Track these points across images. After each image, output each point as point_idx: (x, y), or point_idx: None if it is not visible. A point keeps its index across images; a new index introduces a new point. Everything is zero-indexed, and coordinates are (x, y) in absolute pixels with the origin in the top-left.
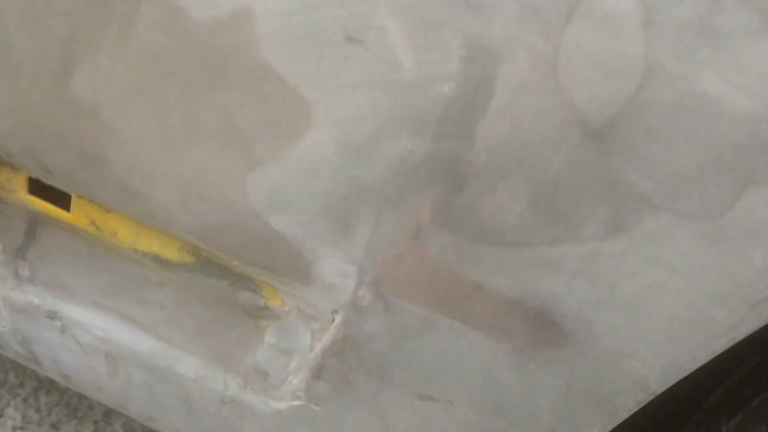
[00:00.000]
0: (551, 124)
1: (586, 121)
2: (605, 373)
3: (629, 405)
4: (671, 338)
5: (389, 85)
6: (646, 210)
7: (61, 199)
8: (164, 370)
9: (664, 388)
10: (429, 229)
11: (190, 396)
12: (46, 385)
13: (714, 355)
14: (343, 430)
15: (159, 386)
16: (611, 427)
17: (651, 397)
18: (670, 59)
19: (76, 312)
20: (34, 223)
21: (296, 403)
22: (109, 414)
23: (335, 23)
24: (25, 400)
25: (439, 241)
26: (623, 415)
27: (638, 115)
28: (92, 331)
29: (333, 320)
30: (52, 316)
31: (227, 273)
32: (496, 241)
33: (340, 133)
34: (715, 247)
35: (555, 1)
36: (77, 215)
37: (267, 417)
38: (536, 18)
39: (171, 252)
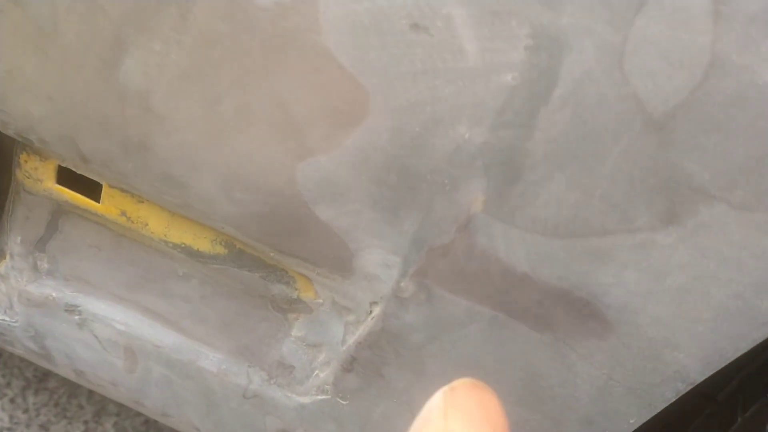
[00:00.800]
0: (613, 114)
1: (647, 111)
2: (646, 363)
3: (668, 395)
4: (715, 328)
5: (451, 73)
6: (701, 200)
7: (91, 189)
8: (185, 365)
9: (703, 378)
10: (480, 220)
11: (211, 391)
12: (33, 385)
13: (755, 344)
14: (370, 425)
15: (179, 381)
16: (647, 418)
17: (690, 387)
18: (735, 51)
19: (96, 306)
20: (58, 214)
21: (322, 397)
22: (99, 414)
23: (401, 11)
24: (12, 401)
25: (489, 231)
26: (660, 406)
27: (700, 105)
28: (112, 325)
29: (370, 312)
30: (71, 309)
31: (260, 265)
32: (548, 231)
33: (396, 122)
34: (766, 238)
35: None
36: (107, 206)
37: (290, 412)
38: (606, 8)
39: (203, 243)
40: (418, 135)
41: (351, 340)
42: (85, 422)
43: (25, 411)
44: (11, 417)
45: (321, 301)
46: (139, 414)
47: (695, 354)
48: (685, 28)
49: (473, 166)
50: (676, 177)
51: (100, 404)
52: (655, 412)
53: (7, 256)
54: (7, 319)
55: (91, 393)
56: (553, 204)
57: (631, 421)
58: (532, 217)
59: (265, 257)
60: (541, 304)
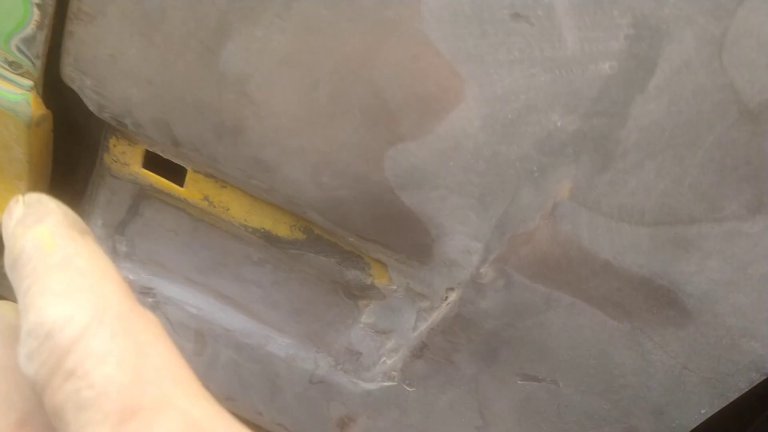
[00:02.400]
0: (709, 103)
1: (743, 101)
2: (723, 353)
3: (742, 385)
4: None
5: (549, 62)
6: None
7: (174, 174)
8: (254, 349)
9: None
10: (565, 206)
11: (278, 376)
12: None
13: None
14: (435, 411)
15: (246, 365)
16: (719, 408)
17: (763, 377)
18: None
19: (170, 289)
20: (139, 198)
21: (388, 384)
22: None
23: (503, 0)
24: None
25: (574, 218)
26: (733, 396)
27: None
28: (185, 308)
29: (446, 298)
30: (146, 292)
31: (337, 251)
32: (634, 219)
33: (489, 109)
34: None
35: None
36: (191, 190)
37: (355, 398)
38: None
39: (282, 229)
40: (510, 122)
41: (423, 326)
42: None
43: None
44: None
45: (395, 287)
46: None
47: None
48: None
49: (563, 154)
50: (766, 166)
51: None
52: (728, 402)
53: None
54: None
55: None
56: (642, 192)
57: (702, 411)
58: (619, 205)
59: (342, 243)
60: (621, 291)
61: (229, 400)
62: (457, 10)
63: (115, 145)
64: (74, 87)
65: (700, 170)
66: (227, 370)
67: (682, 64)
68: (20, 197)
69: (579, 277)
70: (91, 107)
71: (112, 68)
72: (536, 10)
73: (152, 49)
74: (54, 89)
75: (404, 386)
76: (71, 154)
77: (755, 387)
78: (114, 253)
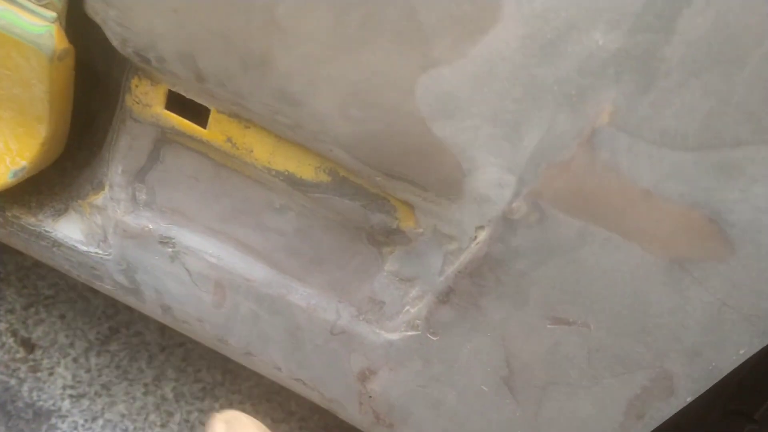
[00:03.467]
0: (759, 15)
1: None
2: (766, 287)
3: None
4: None
5: None
6: None
7: (197, 117)
8: (275, 300)
9: None
10: (605, 133)
11: (299, 327)
12: (96, 347)
13: None
14: (458, 361)
15: (266, 317)
16: (760, 347)
17: None
18: None
19: (189, 238)
20: (161, 143)
21: (411, 333)
22: (158, 378)
23: None
24: (75, 360)
25: (613, 145)
26: None
27: None
28: (204, 258)
29: (475, 238)
30: (165, 241)
31: (362, 193)
32: (677, 144)
33: (528, 29)
34: None
35: None
36: (214, 132)
37: (377, 349)
38: None
39: (306, 171)
40: (549, 42)
41: (450, 269)
42: (145, 385)
43: (88, 371)
44: (74, 376)
45: (421, 230)
46: (197, 380)
47: None
48: None
49: (604, 75)
50: None
51: (160, 369)
52: (767, 342)
53: (106, 187)
54: (101, 252)
55: (151, 357)
56: (685, 113)
57: (741, 352)
58: (661, 129)
59: (368, 185)
60: (660, 223)
61: (248, 355)
62: None
63: (137, 86)
64: (98, 20)
65: (748, 88)
66: (247, 323)
67: None
68: (220, 416)
69: (616, 209)
70: (114, 42)
71: None
72: None
73: None
74: (76, 30)
75: (428, 335)
76: (91, 101)
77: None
78: (134, 202)
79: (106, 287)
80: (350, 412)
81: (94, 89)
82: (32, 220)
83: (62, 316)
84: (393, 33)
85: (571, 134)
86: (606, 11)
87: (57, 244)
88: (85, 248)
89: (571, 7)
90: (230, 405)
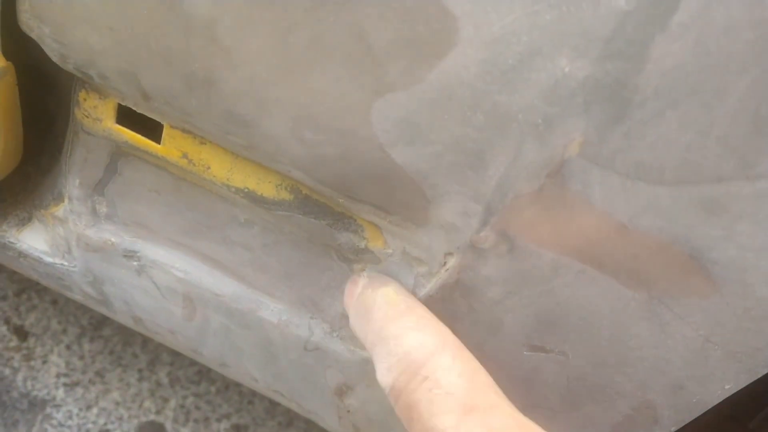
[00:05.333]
0: (741, 42)
1: None
2: (751, 325)
3: None
4: None
5: None
6: None
7: (151, 130)
8: (245, 315)
9: None
10: (575, 164)
11: (271, 342)
12: (89, 333)
13: None
14: None
15: (238, 331)
16: (746, 384)
17: None
18: None
19: (155, 252)
20: (117, 156)
21: None
22: (153, 363)
23: None
24: (68, 347)
25: (585, 177)
26: (762, 372)
27: None
28: (171, 272)
29: (444, 264)
30: (130, 255)
31: (327, 212)
32: (653, 178)
33: (488, 53)
34: None
35: None
36: (168, 147)
37: (352, 366)
38: None
39: (267, 188)
40: (511, 68)
41: (421, 293)
42: (140, 370)
43: (81, 358)
44: (67, 363)
45: (390, 251)
46: (192, 363)
47: None
48: None
49: (572, 104)
50: None
51: (154, 353)
52: (756, 378)
53: (66, 199)
54: (66, 263)
55: (145, 342)
56: (662, 146)
57: (727, 387)
58: (636, 161)
59: (332, 204)
60: (637, 258)
61: (223, 366)
62: None
63: (85, 99)
64: (33, 36)
65: (731, 121)
66: (219, 336)
67: None
68: (362, 273)
69: (590, 242)
70: (54, 58)
71: (69, 14)
72: None
73: None
74: (19, 39)
75: None
76: (47, 105)
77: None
78: (94, 215)
79: (76, 297)
80: (331, 425)
81: (48, 93)
82: None
83: (54, 302)
84: (342, 55)
85: (539, 164)
86: (572, 36)
87: (22, 255)
88: (50, 259)
89: (533, 31)
90: (227, 388)
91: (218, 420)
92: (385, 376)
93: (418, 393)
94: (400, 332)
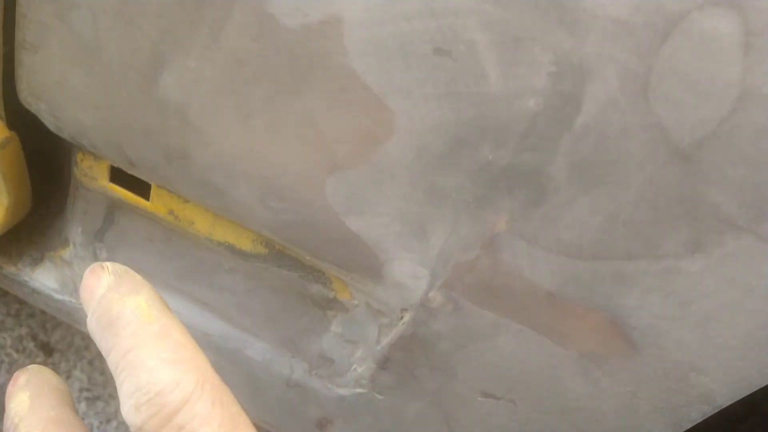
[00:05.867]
0: (637, 142)
1: (673, 141)
2: (672, 385)
3: (694, 416)
4: (743, 356)
5: (474, 96)
6: (728, 231)
7: (142, 188)
8: (233, 353)
9: (730, 402)
10: (504, 238)
11: (257, 378)
12: None
13: None
14: (404, 419)
15: (228, 367)
16: None
17: (716, 410)
18: (767, 84)
19: None
20: (113, 208)
21: (360, 390)
22: None
23: (424, 35)
24: (90, 363)
25: (513, 249)
26: (687, 425)
27: (728, 137)
28: None
29: (401, 318)
30: None
31: (298, 265)
32: (572, 253)
33: (421, 142)
34: None
35: (651, 21)
36: (156, 204)
37: (331, 402)
38: (630, 36)
39: (245, 243)
40: (443, 155)
41: (385, 341)
42: None
43: (102, 373)
44: (89, 378)
45: (356, 302)
46: None
47: (722, 379)
48: (713, 59)
49: (497, 187)
50: (702, 207)
51: None
52: (682, 431)
53: (71, 245)
54: (74, 301)
55: None
56: (577, 226)
57: None
58: (556, 239)
59: (302, 258)
60: (566, 321)
61: None
62: (380, 44)
63: (82, 160)
64: (32, 110)
65: (634, 208)
66: None
67: (608, 103)
68: (105, 265)
69: (523, 305)
70: (51, 128)
71: (61, 94)
72: (457, 45)
73: (93, 78)
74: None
75: (375, 394)
76: (53, 156)
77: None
78: (96, 259)
79: (84, 329)
80: None
81: (54, 146)
82: (12, 269)
83: None
84: (296, 138)
85: (473, 237)
86: (491, 130)
87: (36, 291)
88: (60, 297)
89: (459, 125)
90: None
91: None
92: (131, 414)
93: None
94: (154, 364)
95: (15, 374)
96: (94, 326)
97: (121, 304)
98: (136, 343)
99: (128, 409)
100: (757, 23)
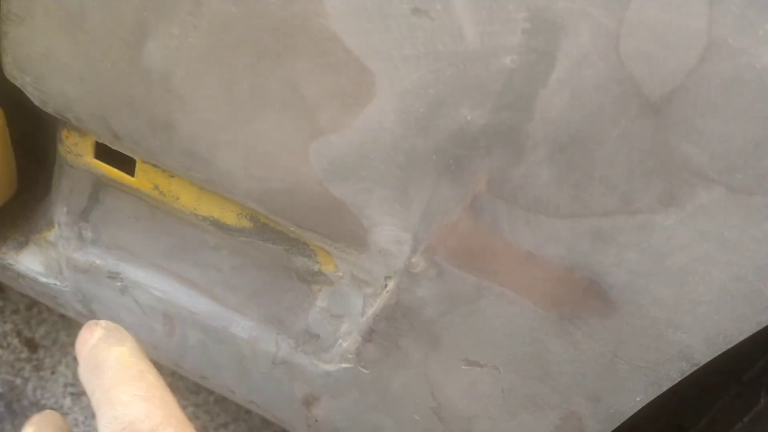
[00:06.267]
0: (610, 97)
1: (644, 94)
2: (651, 342)
3: (673, 375)
4: (718, 310)
5: (452, 56)
6: (700, 183)
7: (126, 164)
8: (219, 331)
9: (707, 359)
10: (484, 199)
11: (243, 356)
12: None
13: (760, 328)
14: (390, 392)
15: (213, 346)
16: (654, 396)
17: (694, 368)
18: (732, 34)
19: (136, 273)
20: (98, 186)
21: (345, 365)
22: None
23: None
24: (75, 359)
25: (493, 210)
26: (666, 385)
27: (697, 88)
28: (151, 292)
29: (386, 286)
30: (113, 276)
31: (283, 238)
32: (550, 211)
33: (401, 104)
34: (767, 221)
35: None
36: (141, 180)
37: (317, 378)
38: None
39: (229, 217)
40: (423, 116)
41: (369, 312)
42: None
43: None
44: (75, 374)
45: (341, 274)
46: None
47: (698, 335)
48: (679, 11)
49: (476, 147)
50: (674, 160)
51: (155, 364)
52: (662, 391)
53: (56, 225)
54: (59, 283)
55: None
56: (555, 184)
57: (638, 399)
58: (535, 197)
59: (287, 231)
60: (546, 282)
61: (203, 378)
62: (359, 5)
63: (67, 137)
64: (17, 84)
65: (609, 163)
66: (197, 350)
67: (581, 58)
68: (100, 322)
69: (505, 267)
70: (36, 102)
71: (46, 66)
72: (435, 5)
73: (79, 48)
74: (7, 83)
75: (360, 368)
76: (37, 138)
77: (717, 363)
78: (80, 239)
79: (70, 314)
80: None
81: (39, 128)
82: None
83: (63, 316)
84: (280, 104)
85: (454, 199)
86: (469, 90)
87: (21, 275)
88: (45, 279)
89: (438, 85)
90: (224, 398)
91: (216, 429)
92: None
93: None
94: (129, 400)
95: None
96: (83, 370)
97: (107, 352)
98: (116, 382)
99: None
100: None
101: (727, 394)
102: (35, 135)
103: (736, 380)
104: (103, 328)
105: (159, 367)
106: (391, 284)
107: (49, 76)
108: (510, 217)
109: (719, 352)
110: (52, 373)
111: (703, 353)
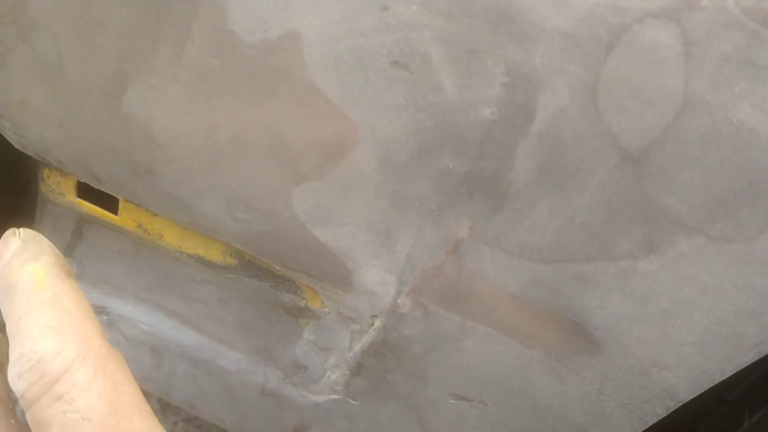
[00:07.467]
0: (589, 148)
1: (623, 146)
2: (636, 381)
3: (658, 411)
4: (701, 351)
5: (432, 107)
6: (680, 232)
7: (110, 201)
8: (207, 363)
9: (692, 396)
10: (467, 244)
11: (232, 387)
12: None
13: (741, 368)
14: (379, 424)
15: (202, 377)
16: (641, 431)
17: (679, 405)
18: (708, 90)
19: (122, 307)
20: (82, 223)
21: (334, 396)
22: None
23: (381, 48)
24: None
25: (477, 254)
26: (652, 420)
27: (675, 142)
28: (138, 326)
29: (372, 324)
30: (99, 310)
31: (269, 275)
32: (533, 256)
33: (383, 152)
34: (746, 268)
35: (596, 33)
36: (125, 218)
37: (306, 409)
38: (577, 48)
39: (215, 255)
40: (404, 164)
41: (357, 347)
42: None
43: None
44: None
45: (327, 310)
46: None
47: (682, 374)
48: (656, 69)
49: (458, 194)
50: (653, 209)
51: None
52: (647, 426)
53: None
54: None
55: None
56: (537, 230)
57: None
58: (518, 243)
59: (272, 268)
60: (530, 323)
61: (193, 408)
62: (339, 58)
63: (49, 176)
64: None
65: (589, 211)
66: (186, 382)
67: (559, 111)
68: (17, 230)
69: (489, 308)
70: (15, 145)
71: (24, 113)
72: (414, 59)
73: (57, 97)
74: None
75: (349, 400)
76: (18, 179)
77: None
78: None
79: None
80: None
81: (20, 160)
82: None
83: None
84: (261, 151)
85: (437, 243)
86: (450, 139)
87: None
88: None
89: (419, 134)
90: None
91: None
92: (15, 382)
93: (51, 412)
94: (39, 332)
95: (3, 238)
96: None
97: (19, 271)
98: (27, 310)
99: (12, 376)
100: (696, 34)
101: (712, 415)
102: (17, 165)
103: (721, 401)
104: (21, 238)
105: (147, 396)
106: (377, 323)
107: (28, 123)
108: (494, 261)
109: (703, 390)
110: None
111: (687, 391)
